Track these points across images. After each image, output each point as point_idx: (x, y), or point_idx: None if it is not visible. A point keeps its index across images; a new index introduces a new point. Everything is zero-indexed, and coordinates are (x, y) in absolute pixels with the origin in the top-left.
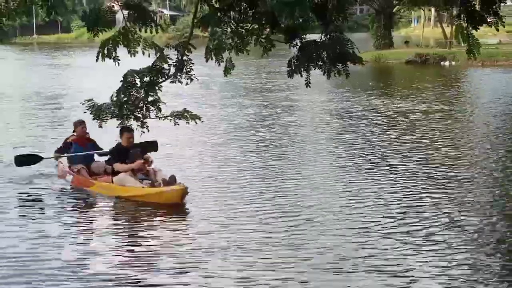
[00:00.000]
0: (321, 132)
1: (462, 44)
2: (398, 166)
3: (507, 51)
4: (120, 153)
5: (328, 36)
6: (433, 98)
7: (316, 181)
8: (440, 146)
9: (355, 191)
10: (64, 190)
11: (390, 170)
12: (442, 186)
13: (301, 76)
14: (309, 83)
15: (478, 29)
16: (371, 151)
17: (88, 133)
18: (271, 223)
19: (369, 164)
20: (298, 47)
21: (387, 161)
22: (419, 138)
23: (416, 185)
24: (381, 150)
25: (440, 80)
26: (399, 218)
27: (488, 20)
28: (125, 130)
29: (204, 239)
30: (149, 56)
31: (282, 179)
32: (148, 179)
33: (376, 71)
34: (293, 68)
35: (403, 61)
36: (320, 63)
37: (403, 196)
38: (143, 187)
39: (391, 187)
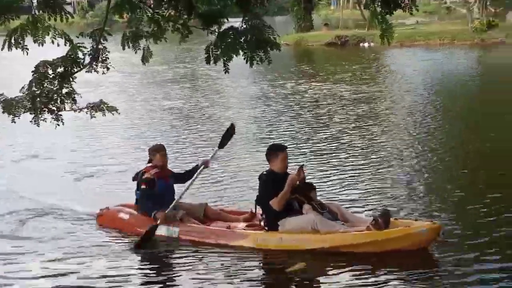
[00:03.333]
0: (242, 116)
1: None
2: (316, 147)
3: (424, 31)
4: (276, 183)
5: (247, 23)
6: (353, 79)
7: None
8: (359, 127)
9: None
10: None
11: (312, 151)
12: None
13: (223, 64)
14: (228, 69)
15: (392, 13)
16: (292, 135)
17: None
18: None
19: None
20: (216, 34)
21: (307, 143)
22: (342, 121)
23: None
24: (303, 133)
25: (359, 61)
26: None
27: (402, 4)
28: (278, 150)
29: None
30: (65, 45)
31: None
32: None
33: (298, 54)
34: (211, 55)
35: (324, 43)
36: (240, 50)
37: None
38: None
39: (313, 169)
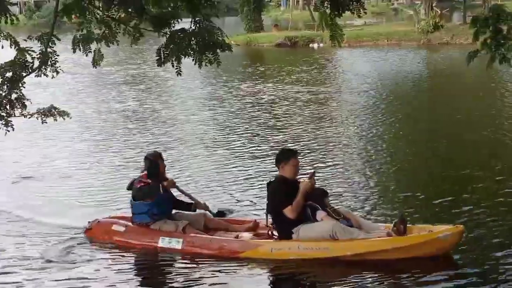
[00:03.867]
0: (188, 117)
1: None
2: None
3: (371, 32)
4: (288, 190)
5: (197, 25)
6: (305, 80)
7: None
8: (310, 124)
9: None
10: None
11: (270, 154)
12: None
13: (173, 66)
14: (180, 71)
15: (341, 15)
16: (248, 137)
17: None
18: None
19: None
20: (167, 36)
21: (265, 145)
22: (298, 122)
23: None
24: (261, 135)
25: (309, 62)
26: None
27: (351, 7)
28: (290, 155)
29: None
30: (11, 48)
31: None
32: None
33: (248, 54)
34: (162, 57)
35: (274, 44)
36: (190, 52)
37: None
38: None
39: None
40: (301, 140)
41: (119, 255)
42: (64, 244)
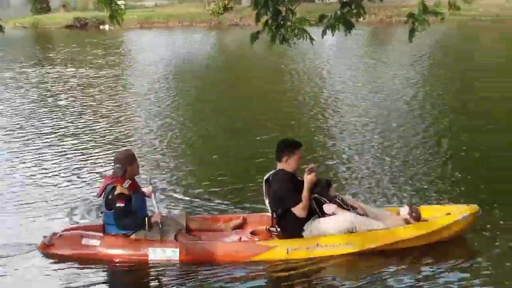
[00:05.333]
0: None
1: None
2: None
3: (163, 13)
4: (295, 185)
5: None
6: (92, 62)
7: None
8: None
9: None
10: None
11: (73, 143)
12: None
13: None
14: None
15: None
16: (51, 125)
17: None
18: None
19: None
20: None
21: (70, 134)
22: (101, 107)
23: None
24: (63, 123)
25: (99, 44)
26: None
27: None
28: (296, 147)
29: None
30: None
31: None
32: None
33: (37, 37)
34: None
35: (63, 25)
36: None
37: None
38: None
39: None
40: (87, 126)
41: (101, 274)
42: (19, 267)
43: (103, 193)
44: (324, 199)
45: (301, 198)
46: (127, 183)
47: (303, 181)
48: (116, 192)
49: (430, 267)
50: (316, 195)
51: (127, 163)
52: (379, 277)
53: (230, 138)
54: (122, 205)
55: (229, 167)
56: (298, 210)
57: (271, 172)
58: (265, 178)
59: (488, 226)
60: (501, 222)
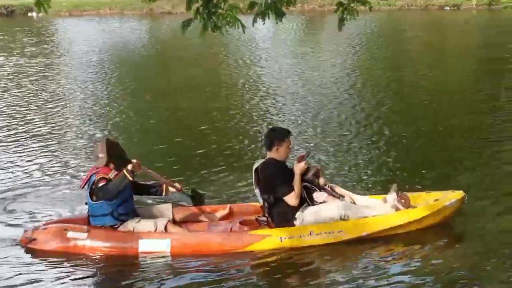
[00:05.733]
0: None
1: None
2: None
3: (94, 1)
4: (286, 174)
5: None
6: (23, 51)
7: None
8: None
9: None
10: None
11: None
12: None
13: None
14: None
15: None
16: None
17: None
18: None
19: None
20: None
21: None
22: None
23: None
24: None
25: (27, 32)
26: None
27: None
28: (286, 135)
29: None
30: None
31: None
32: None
33: None
34: None
35: None
36: None
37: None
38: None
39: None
40: (25, 117)
41: (90, 268)
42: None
43: (87, 184)
44: (314, 187)
45: (293, 187)
46: (113, 173)
47: (292, 169)
48: (97, 178)
49: (420, 251)
50: (306, 183)
51: (108, 151)
52: (372, 263)
53: (173, 128)
54: (103, 183)
55: (178, 159)
56: (291, 199)
57: (260, 161)
58: (254, 167)
59: (473, 210)
60: (484, 206)
